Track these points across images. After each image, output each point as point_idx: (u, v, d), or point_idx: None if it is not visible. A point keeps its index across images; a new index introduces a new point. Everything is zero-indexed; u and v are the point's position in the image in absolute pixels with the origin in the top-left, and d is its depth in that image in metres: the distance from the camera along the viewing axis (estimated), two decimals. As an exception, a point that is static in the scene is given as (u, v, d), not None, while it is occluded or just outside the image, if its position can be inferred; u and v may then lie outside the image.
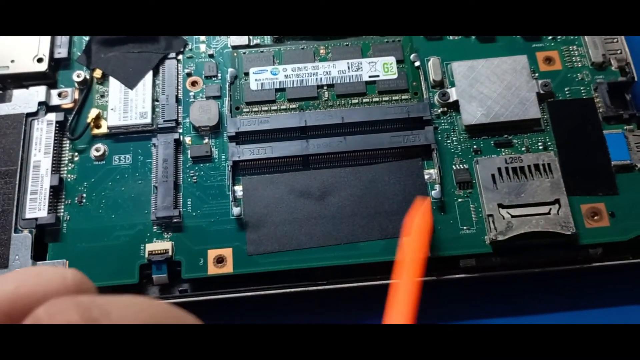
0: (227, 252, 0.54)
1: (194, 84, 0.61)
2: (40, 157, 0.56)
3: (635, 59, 0.59)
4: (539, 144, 0.57)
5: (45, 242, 0.54)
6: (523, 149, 0.57)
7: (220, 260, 0.53)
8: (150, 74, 0.60)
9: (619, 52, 0.60)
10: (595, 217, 0.54)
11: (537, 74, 0.59)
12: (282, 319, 0.55)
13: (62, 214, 0.55)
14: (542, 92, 0.58)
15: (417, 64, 0.59)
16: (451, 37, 0.62)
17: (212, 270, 0.53)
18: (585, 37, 0.61)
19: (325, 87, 0.59)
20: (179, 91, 0.60)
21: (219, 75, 0.61)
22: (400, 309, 0.44)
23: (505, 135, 0.57)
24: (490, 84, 0.58)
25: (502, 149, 0.57)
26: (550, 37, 0.61)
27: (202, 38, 0.63)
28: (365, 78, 0.59)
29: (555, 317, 0.54)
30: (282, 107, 0.59)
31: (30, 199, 0.55)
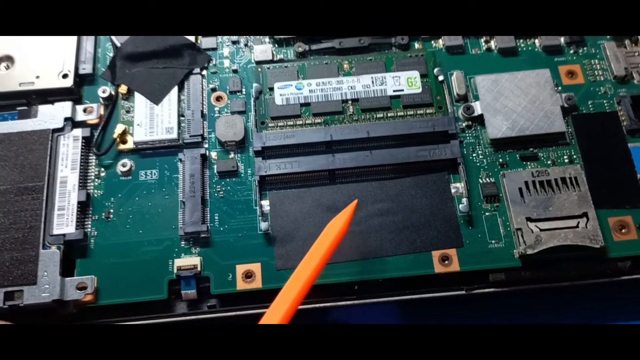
0: (256, 267, 0.52)
1: (218, 99, 0.59)
2: (67, 172, 0.55)
3: (657, 71, 0.58)
4: (565, 157, 0.56)
5: (72, 258, 0.53)
6: (549, 162, 0.55)
7: (249, 275, 0.52)
8: (175, 90, 0.59)
9: (640, 65, 0.59)
10: (623, 230, 0.52)
11: (560, 88, 0.58)
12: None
13: (89, 229, 0.54)
14: (566, 105, 0.57)
15: (440, 78, 0.58)
16: (473, 51, 0.61)
17: (241, 285, 0.52)
18: (607, 50, 0.60)
19: (350, 102, 0.58)
20: (204, 106, 0.59)
21: (244, 90, 0.60)
22: (278, 308, 0.45)
23: (531, 149, 0.56)
24: (515, 97, 0.57)
25: (528, 163, 0.55)
26: (572, 51, 0.60)
27: (226, 53, 0.61)
28: (390, 92, 0.58)
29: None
30: (307, 121, 0.57)
31: (58, 214, 0.54)
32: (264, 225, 0.53)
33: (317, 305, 0.52)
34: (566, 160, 0.55)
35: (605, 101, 0.58)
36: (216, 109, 0.59)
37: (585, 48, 0.61)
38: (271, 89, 0.59)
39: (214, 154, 0.57)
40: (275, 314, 0.45)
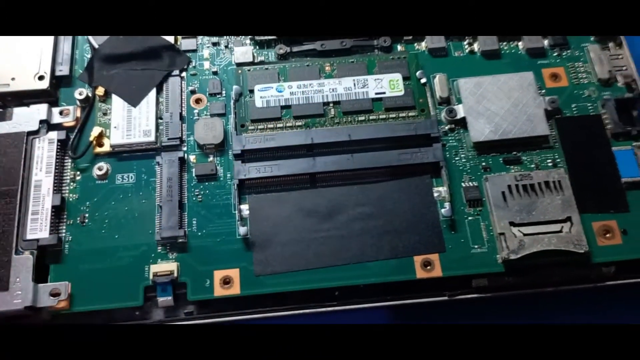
0: (234, 273, 0.51)
1: (198, 101, 0.58)
2: (42, 176, 0.53)
3: (641, 74, 0.57)
4: (548, 161, 0.54)
5: (46, 263, 0.51)
6: (532, 166, 0.54)
7: (227, 281, 0.50)
8: (153, 92, 0.57)
9: (624, 68, 0.58)
10: (607, 235, 0.51)
11: (543, 91, 0.57)
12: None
13: (64, 234, 0.52)
14: (549, 108, 0.56)
15: (423, 80, 0.57)
16: (456, 54, 0.60)
17: (219, 291, 0.50)
18: (591, 53, 0.59)
19: (331, 104, 0.57)
20: (183, 109, 0.57)
21: (224, 92, 0.58)
22: None
23: (514, 152, 0.55)
24: (498, 100, 0.56)
25: (512, 166, 0.54)
26: (555, 54, 0.59)
27: (206, 55, 0.60)
28: (372, 95, 0.57)
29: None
30: (288, 124, 0.56)
31: (32, 219, 0.52)
32: (242, 230, 0.51)
33: (297, 312, 0.50)
34: (550, 164, 0.54)
35: (589, 104, 0.57)
36: (195, 111, 0.57)
37: (569, 51, 0.59)
38: (251, 91, 0.57)
39: (192, 157, 0.55)
40: None
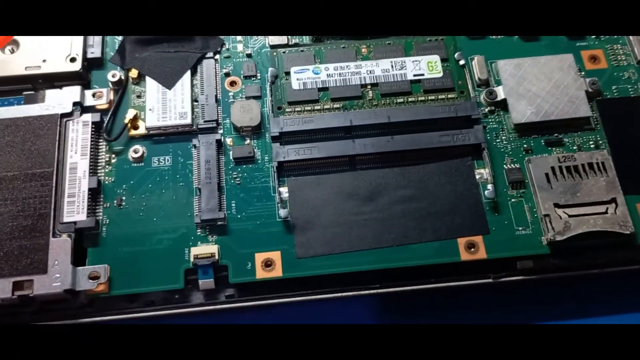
0: (276, 256, 0.49)
1: (232, 84, 0.57)
2: (77, 158, 0.52)
3: (681, 56, 0.56)
4: (591, 142, 0.53)
5: (84, 246, 0.50)
6: (574, 147, 0.53)
7: (268, 264, 0.49)
8: (188, 74, 0.56)
9: (664, 49, 0.57)
10: (653, 216, 0.50)
11: (583, 73, 0.56)
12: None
13: (101, 217, 0.51)
14: (590, 90, 0.55)
15: (461, 62, 0.56)
16: (493, 36, 0.58)
17: (261, 274, 0.49)
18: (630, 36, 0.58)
19: (369, 86, 0.56)
20: (218, 91, 0.56)
21: (258, 75, 0.57)
22: None
23: (556, 134, 0.54)
24: (538, 82, 0.55)
25: (553, 148, 0.53)
26: (594, 36, 0.58)
27: (239, 38, 0.59)
28: (410, 77, 0.56)
29: (616, 319, 0.50)
30: (326, 106, 0.55)
31: (68, 202, 0.50)
32: (283, 212, 0.50)
33: (340, 294, 0.49)
34: (592, 146, 0.53)
35: (629, 86, 0.56)
36: (230, 94, 0.56)
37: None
38: (287, 73, 0.56)
39: (229, 140, 0.54)
40: None
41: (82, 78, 0.56)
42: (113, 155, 0.53)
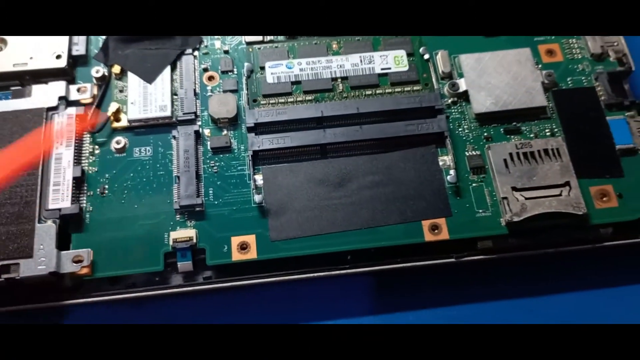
0: (251, 239, 0.51)
1: (210, 78, 0.59)
2: (62, 149, 0.54)
3: (631, 49, 0.59)
4: (547, 130, 0.56)
5: (68, 232, 0.51)
6: (532, 135, 0.55)
7: (244, 246, 0.51)
8: (168, 69, 0.58)
9: (615, 44, 0.59)
10: (604, 199, 0.53)
11: (540, 66, 0.59)
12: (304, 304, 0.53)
13: (84, 205, 0.53)
14: (546, 81, 0.57)
15: (426, 56, 0.58)
16: (457, 32, 0.61)
17: (237, 256, 0.51)
18: (584, 31, 0.60)
19: (339, 80, 0.58)
20: (197, 85, 0.58)
21: (235, 70, 0.59)
22: None
23: (514, 123, 0.56)
24: (497, 74, 0.57)
25: (512, 136, 0.55)
26: (550, 31, 0.61)
27: (217, 35, 0.61)
28: (378, 70, 0.58)
29: (569, 297, 0.53)
30: (299, 99, 0.57)
31: (53, 190, 0.52)
32: (257, 197, 0.52)
33: (312, 275, 0.51)
34: (548, 134, 0.56)
35: (583, 78, 0.58)
36: (208, 88, 0.58)
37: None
38: (262, 68, 0.58)
39: (207, 131, 0.56)
40: None
41: (67, 74, 0.58)
42: (97, 147, 0.55)
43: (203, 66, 0.59)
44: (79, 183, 0.53)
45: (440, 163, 0.54)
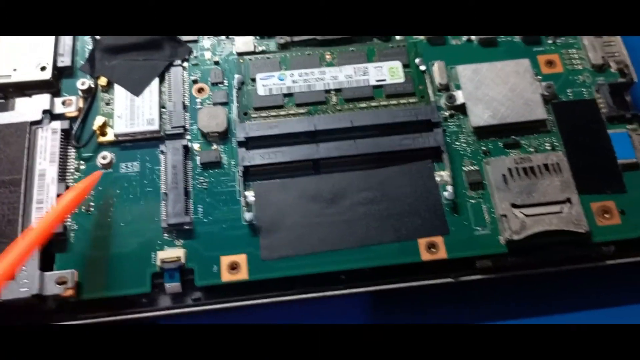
0: (241, 258, 0.49)
1: (200, 90, 0.56)
2: (46, 165, 0.52)
3: (633, 60, 0.57)
4: (546, 144, 0.54)
5: (52, 252, 0.49)
6: (531, 149, 0.54)
7: (234, 266, 0.49)
8: (156, 81, 0.56)
9: (617, 54, 0.58)
10: (606, 215, 0.51)
11: (539, 77, 0.57)
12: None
13: (69, 223, 0.50)
14: (546, 93, 0.55)
15: (422, 68, 0.56)
16: (454, 42, 0.59)
17: (226, 277, 0.49)
18: (584, 40, 0.58)
19: (332, 92, 0.56)
20: (186, 98, 0.56)
21: (225, 81, 0.57)
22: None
23: (513, 137, 0.54)
24: (495, 86, 0.55)
25: (511, 150, 0.54)
26: (550, 41, 0.59)
27: (207, 45, 0.59)
28: (372, 82, 0.56)
29: (571, 317, 0.51)
30: (291, 112, 0.55)
31: (37, 208, 0.50)
32: (248, 215, 0.50)
33: (305, 295, 0.49)
34: (548, 147, 0.54)
35: (584, 89, 0.56)
36: (198, 100, 0.56)
37: (563, 38, 0.59)
38: (253, 79, 0.56)
39: (196, 146, 0.54)
40: None
41: (52, 86, 0.56)
42: (82, 162, 0.53)
43: (192, 78, 0.57)
44: (63, 200, 0.51)
45: (437, 178, 0.52)
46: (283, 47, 0.58)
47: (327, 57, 0.58)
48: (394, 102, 0.55)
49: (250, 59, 0.57)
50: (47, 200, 0.50)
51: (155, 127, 0.54)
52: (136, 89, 0.55)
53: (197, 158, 0.53)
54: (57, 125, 0.53)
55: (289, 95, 0.55)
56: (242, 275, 0.49)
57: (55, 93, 0.56)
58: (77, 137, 0.54)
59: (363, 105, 0.55)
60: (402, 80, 0.56)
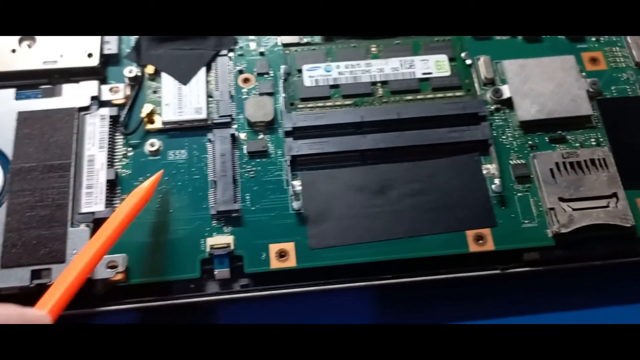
0: (289, 246, 0.49)
1: (246, 80, 0.56)
2: (95, 151, 0.52)
3: (677, 59, 0.57)
4: (592, 140, 0.54)
5: (101, 236, 0.49)
6: (577, 144, 0.53)
7: (282, 254, 0.49)
8: (203, 71, 0.56)
9: (660, 52, 0.58)
10: (651, 211, 0.51)
11: (584, 73, 0.57)
12: (343, 315, 0.51)
13: (118, 208, 0.50)
14: (591, 90, 0.55)
15: (468, 62, 0.56)
16: (498, 37, 0.59)
17: (275, 264, 0.49)
18: (628, 38, 0.58)
19: (379, 84, 0.56)
20: (232, 88, 0.56)
21: (271, 72, 0.57)
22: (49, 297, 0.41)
23: (559, 132, 0.54)
24: (542, 81, 0.55)
25: (557, 145, 0.53)
26: (593, 39, 0.59)
27: (252, 36, 0.58)
28: (419, 75, 0.56)
29: (616, 310, 0.51)
30: (337, 103, 0.55)
31: (86, 193, 0.50)
32: (296, 204, 0.50)
33: (353, 284, 0.49)
34: (593, 143, 0.54)
35: (627, 87, 0.56)
36: (244, 90, 0.56)
37: (606, 36, 0.59)
38: (299, 70, 0.56)
39: (243, 135, 0.54)
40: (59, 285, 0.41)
41: (99, 73, 0.56)
42: (130, 149, 0.53)
43: (238, 68, 0.57)
44: (112, 186, 0.51)
45: (484, 172, 0.52)
46: (328, 39, 0.58)
47: (373, 49, 0.58)
48: (440, 95, 0.55)
49: (295, 50, 0.57)
50: (97, 186, 0.50)
51: (203, 115, 0.54)
52: (184, 78, 0.55)
53: (244, 147, 0.53)
54: (106, 111, 0.53)
55: (336, 86, 0.55)
56: (291, 262, 0.49)
57: (102, 80, 0.56)
58: (125, 124, 0.54)
59: (409, 97, 0.55)
60: (448, 73, 0.56)
